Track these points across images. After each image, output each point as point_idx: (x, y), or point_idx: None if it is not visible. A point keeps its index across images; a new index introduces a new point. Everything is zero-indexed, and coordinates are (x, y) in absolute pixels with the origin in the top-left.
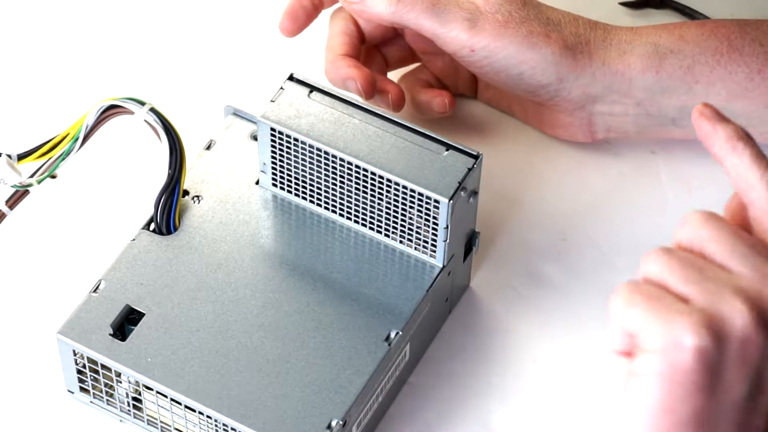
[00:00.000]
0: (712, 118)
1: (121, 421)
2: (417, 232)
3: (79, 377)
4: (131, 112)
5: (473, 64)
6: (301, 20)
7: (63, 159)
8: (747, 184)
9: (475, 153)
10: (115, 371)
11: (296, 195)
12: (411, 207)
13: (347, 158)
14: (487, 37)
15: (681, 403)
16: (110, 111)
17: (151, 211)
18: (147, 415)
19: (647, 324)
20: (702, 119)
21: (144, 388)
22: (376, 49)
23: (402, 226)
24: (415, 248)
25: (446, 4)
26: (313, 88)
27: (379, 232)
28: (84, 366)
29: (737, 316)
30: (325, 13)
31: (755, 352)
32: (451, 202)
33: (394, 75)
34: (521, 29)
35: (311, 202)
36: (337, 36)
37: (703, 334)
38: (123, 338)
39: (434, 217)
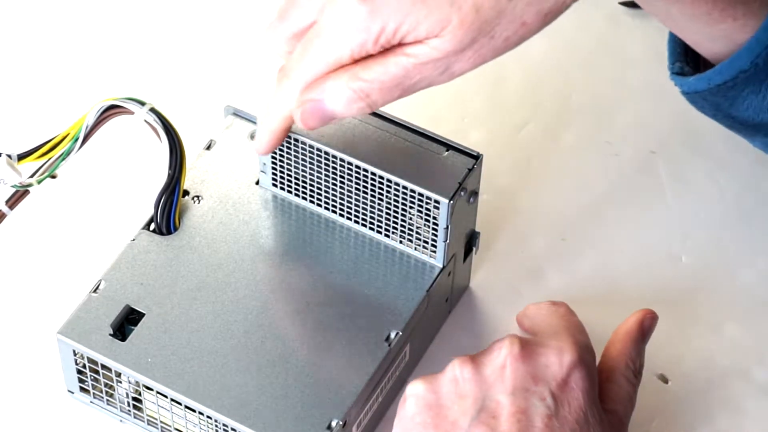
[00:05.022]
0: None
1: (121, 421)
2: (417, 233)
3: (79, 377)
4: (131, 112)
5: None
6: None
7: (63, 159)
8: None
9: (475, 153)
10: (115, 371)
11: (296, 195)
12: (411, 207)
13: (347, 158)
14: (465, 70)
15: None
16: (110, 111)
17: (151, 211)
18: (147, 415)
19: None
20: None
21: (144, 388)
22: None
23: (402, 226)
24: (415, 248)
25: (404, 67)
26: None
27: (379, 233)
28: (84, 366)
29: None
30: None
31: (469, 386)
32: (451, 202)
33: None
34: (492, 42)
35: (311, 202)
36: None
37: (416, 384)
38: (123, 338)
39: (434, 218)
